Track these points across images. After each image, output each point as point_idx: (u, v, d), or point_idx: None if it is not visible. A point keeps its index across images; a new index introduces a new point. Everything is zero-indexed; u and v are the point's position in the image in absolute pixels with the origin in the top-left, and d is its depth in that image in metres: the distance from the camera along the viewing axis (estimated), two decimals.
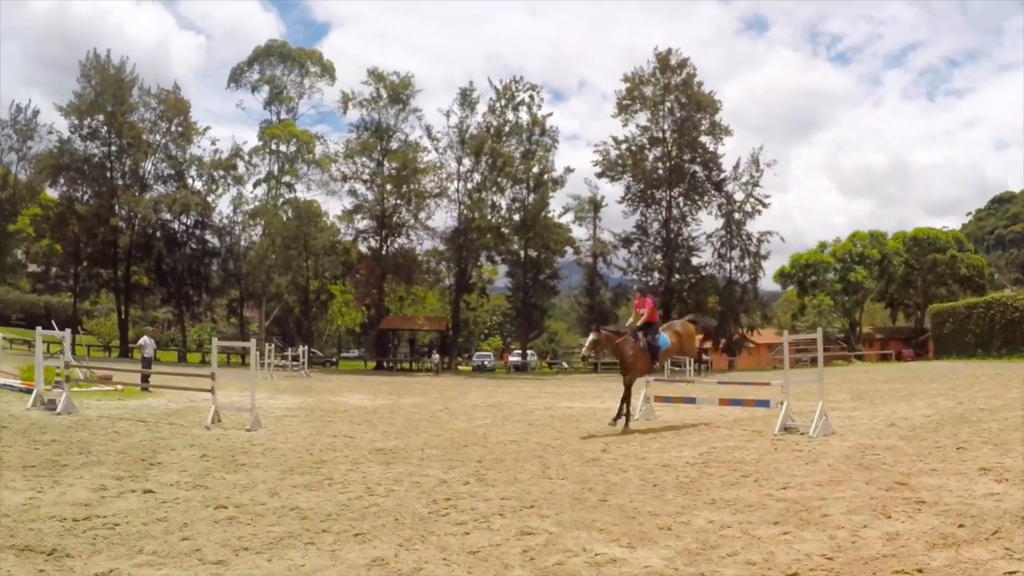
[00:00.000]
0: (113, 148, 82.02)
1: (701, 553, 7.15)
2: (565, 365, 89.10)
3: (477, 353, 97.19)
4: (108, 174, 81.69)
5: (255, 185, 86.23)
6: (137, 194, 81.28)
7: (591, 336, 17.97)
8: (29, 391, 21.11)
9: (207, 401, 20.33)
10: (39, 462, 11.67)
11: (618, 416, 18.01)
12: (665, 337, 18.67)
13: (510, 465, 12.62)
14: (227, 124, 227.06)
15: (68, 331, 20.18)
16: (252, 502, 9.27)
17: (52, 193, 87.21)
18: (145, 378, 27.79)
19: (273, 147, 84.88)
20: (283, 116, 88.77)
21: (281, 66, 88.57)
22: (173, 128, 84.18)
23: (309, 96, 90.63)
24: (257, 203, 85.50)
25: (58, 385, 20.30)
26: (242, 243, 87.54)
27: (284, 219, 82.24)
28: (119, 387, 25.47)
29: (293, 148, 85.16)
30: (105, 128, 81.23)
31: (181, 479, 10.77)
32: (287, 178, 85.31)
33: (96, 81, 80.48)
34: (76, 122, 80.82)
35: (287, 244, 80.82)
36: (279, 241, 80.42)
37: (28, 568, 6.41)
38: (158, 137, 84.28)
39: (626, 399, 17.92)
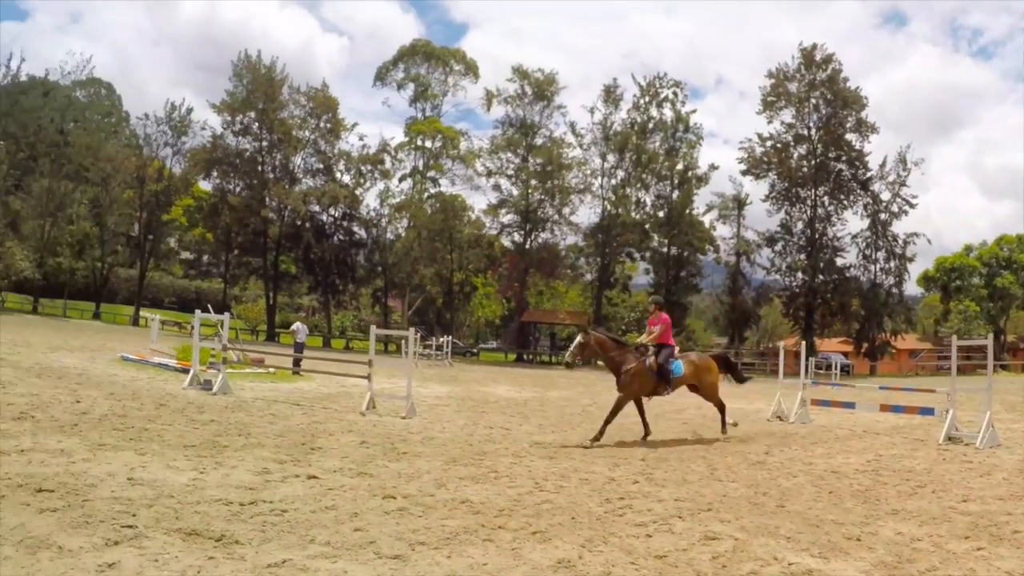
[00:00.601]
0: (264, 143, 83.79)
1: (898, 567, 6.77)
2: None
3: None
4: (259, 168, 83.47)
5: (401, 179, 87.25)
6: (287, 187, 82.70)
7: (578, 338, 15.80)
8: (185, 371, 21.12)
9: (358, 387, 20.02)
10: (199, 442, 11.34)
11: (596, 436, 14.70)
12: (681, 365, 16.07)
13: (676, 465, 12.15)
14: (371, 121, 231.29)
15: (226, 315, 20.04)
16: (420, 493, 8.85)
17: (204, 186, 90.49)
18: (297, 362, 27.87)
19: (418, 143, 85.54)
20: (428, 113, 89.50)
21: (425, 64, 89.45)
22: (322, 124, 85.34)
23: (453, 94, 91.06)
24: (403, 197, 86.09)
25: (213, 366, 20.19)
26: (388, 235, 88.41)
27: (429, 213, 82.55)
28: (271, 370, 25.47)
29: (438, 144, 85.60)
30: (256, 124, 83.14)
31: (344, 465, 10.35)
32: (432, 173, 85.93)
33: (247, 80, 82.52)
34: (229, 119, 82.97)
35: (432, 237, 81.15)
36: (424, 234, 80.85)
37: (197, 554, 5.96)
38: (307, 133, 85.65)
39: (609, 419, 15.04)
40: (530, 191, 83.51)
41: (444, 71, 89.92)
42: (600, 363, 16.46)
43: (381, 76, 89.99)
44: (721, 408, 16.92)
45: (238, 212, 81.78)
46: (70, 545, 5.88)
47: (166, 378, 21.15)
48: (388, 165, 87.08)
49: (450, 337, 53.28)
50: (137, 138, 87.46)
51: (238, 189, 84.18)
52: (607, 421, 14.95)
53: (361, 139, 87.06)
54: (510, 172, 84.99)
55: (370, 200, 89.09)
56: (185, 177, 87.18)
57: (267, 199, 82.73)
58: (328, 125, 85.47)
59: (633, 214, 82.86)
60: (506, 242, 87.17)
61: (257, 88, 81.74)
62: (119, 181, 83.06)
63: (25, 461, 8.76)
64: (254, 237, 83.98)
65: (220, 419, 14.04)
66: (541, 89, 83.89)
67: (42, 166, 79.28)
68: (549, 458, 12.20)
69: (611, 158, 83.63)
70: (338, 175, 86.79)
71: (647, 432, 15.56)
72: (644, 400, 15.89)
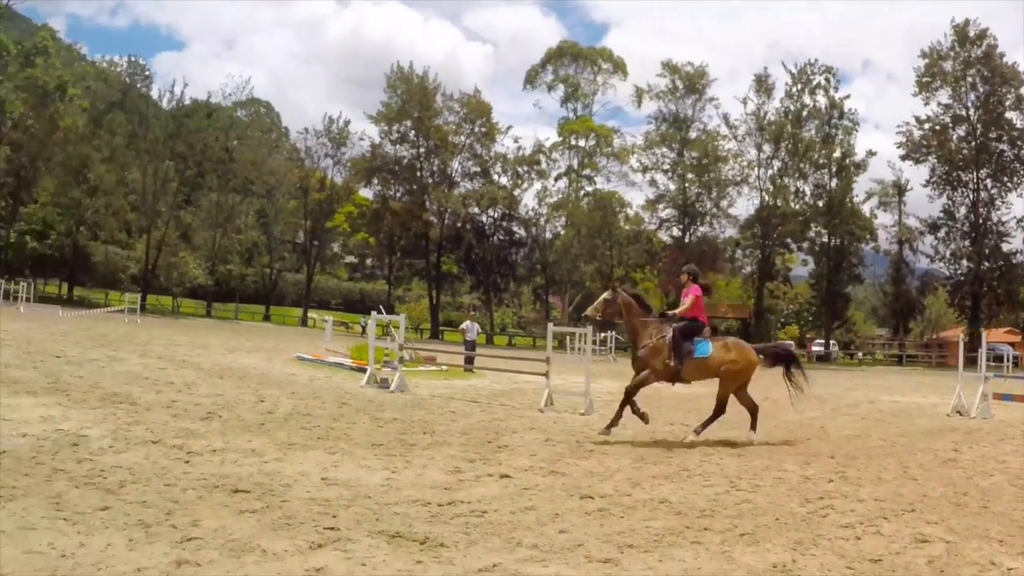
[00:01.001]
0: (421, 150, 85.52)
1: None
2: (861, 356, 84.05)
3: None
4: (418, 173, 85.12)
5: (556, 179, 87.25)
6: (446, 191, 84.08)
7: (605, 294, 13.87)
8: (360, 370, 21.25)
9: (530, 383, 19.73)
10: (386, 440, 11.09)
11: (611, 423, 13.07)
12: (708, 346, 13.18)
13: (866, 463, 11.41)
14: (521, 124, 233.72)
15: (402, 316, 19.99)
16: (616, 492, 8.40)
17: (365, 193, 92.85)
18: (469, 360, 27.73)
19: (571, 142, 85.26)
20: (579, 112, 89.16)
21: (573, 65, 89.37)
22: (476, 129, 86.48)
23: (603, 92, 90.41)
24: (560, 196, 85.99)
25: (388, 364, 20.11)
26: (547, 234, 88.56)
27: (586, 210, 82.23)
28: (443, 367, 25.39)
29: (592, 142, 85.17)
30: (413, 132, 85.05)
31: (534, 464, 9.94)
32: (587, 171, 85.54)
33: (402, 90, 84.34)
34: (386, 128, 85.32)
35: (591, 234, 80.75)
36: (583, 231, 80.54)
37: (404, 558, 5.66)
38: (463, 138, 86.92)
39: (625, 402, 13.21)
40: (687, 185, 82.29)
41: (592, 70, 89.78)
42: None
43: (531, 79, 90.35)
44: (717, 412, 13.46)
45: (400, 216, 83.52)
46: (274, 548, 5.65)
47: (343, 377, 21.22)
48: (544, 165, 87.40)
49: (612, 332, 52.70)
50: (298, 151, 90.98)
51: (399, 195, 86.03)
52: (622, 404, 13.15)
53: (516, 141, 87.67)
54: (666, 167, 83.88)
55: (528, 200, 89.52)
56: (347, 185, 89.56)
57: (427, 203, 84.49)
58: (483, 129, 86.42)
59: (792, 204, 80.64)
60: (664, 237, 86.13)
61: (411, 97, 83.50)
62: (283, 192, 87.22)
63: (218, 461, 8.61)
64: (416, 240, 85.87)
65: (403, 417, 13.83)
66: (692, 82, 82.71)
67: (210, 182, 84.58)
68: (737, 455, 11.66)
69: (767, 148, 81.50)
70: (495, 177, 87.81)
71: (614, 423, 13.09)
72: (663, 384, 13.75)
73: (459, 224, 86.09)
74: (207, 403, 13.29)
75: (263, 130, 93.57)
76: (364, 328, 64.70)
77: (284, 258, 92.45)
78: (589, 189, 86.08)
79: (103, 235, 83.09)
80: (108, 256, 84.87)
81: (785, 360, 13.89)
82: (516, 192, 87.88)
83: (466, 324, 34.13)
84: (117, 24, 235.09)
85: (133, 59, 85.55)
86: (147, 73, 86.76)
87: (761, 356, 13.89)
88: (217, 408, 12.86)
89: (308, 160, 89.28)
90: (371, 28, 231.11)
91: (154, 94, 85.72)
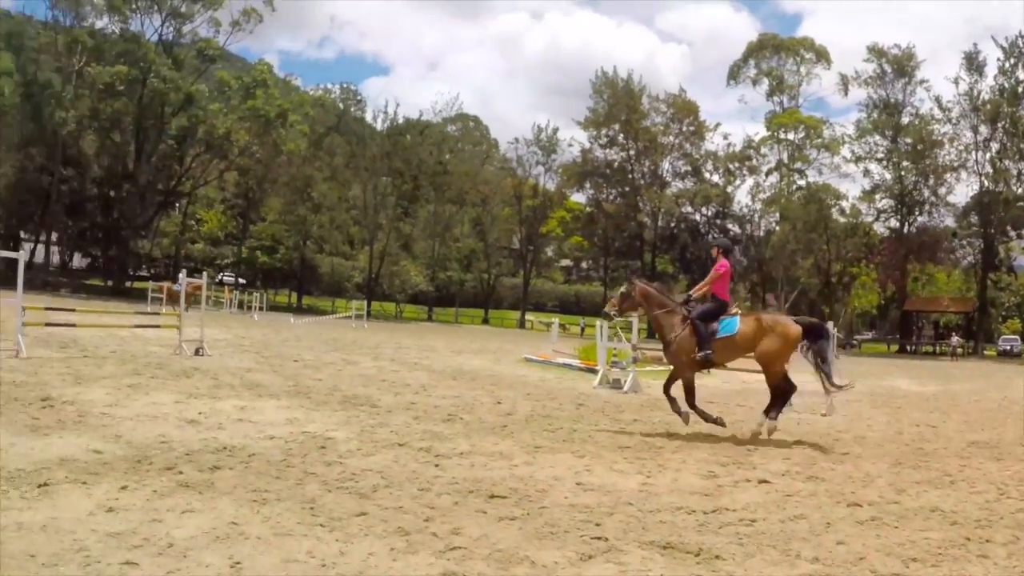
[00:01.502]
0: (631, 152, 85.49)
1: None
2: None
3: (1002, 337, 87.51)
4: (630, 176, 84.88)
5: (767, 174, 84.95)
6: (658, 191, 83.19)
7: (622, 288, 12.94)
8: (589, 370, 21.05)
9: (757, 382, 19.04)
10: (632, 443, 10.62)
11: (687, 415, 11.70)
12: (735, 323, 11.64)
13: None
14: (725, 120, 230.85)
15: (635, 317, 19.56)
16: (883, 500, 7.78)
17: (575, 198, 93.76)
18: None
19: (780, 136, 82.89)
20: (785, 105, 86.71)
21: (775, 57, 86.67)
22: (684, 128, 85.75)
23: (808, 83, 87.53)
24: (772, 191, 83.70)
25: (616, 365, 19.77)
26: (761, 230, 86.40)
27: (799, 204, 79.74)
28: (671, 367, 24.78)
29: (801, 135, 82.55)
30: (622, 135, 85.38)
31: (790, 468, 9.32)
32: (797, 164, 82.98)
33: (608, 95, 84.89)
34: (594, 133, 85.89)
35: (807, 228, 78.25)
36: (799, 226, 78.10)
37: (680, 571, 5.27)
38: (671, 138, 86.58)
39: (671, 400, 11.87)
40: (903, 173, 78.84)
41: (795, 61, 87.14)
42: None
43: (733, 74, 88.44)
44: (782, 392, 11.77)
45: (614, 219, 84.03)
46: (543, 559, 5.32)
47: (573, 378, 20.92)
48: (755, 161, 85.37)
49: (835, 330, 50.77)
50: (509, 161, 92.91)
51: (612, 197, 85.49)
52: (690, 405, 11.70)
53: (726, 138, 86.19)
54: (879, 155, 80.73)
55: (740, 197, 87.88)
56: (559, 191, 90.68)
57: (640, 204, 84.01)
58: (691, 128, 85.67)
59: (1015, 188, 75.79)
60: (882, 228, 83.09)
61: (618, 101, 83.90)
62: (497, 201, 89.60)
63: (468, 465, 8.37)
64: (630, 241, 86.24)
65: (642, 418, 13.39)
66: (900, 65, 79.66)
67: (426, 194, 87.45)
68: (996, 460, 10.76)
69: (983, 130, 76.96)
70: (706, 175, 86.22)
71: (703, 415, 11.71)
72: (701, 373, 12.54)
73: (673, 224, 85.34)
74: (446, 405, 13.19)
75: (473, 143, 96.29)
76: (583, 329, 65.05)
77: (501, 263, 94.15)
78: (801, 183, 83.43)
79: (328, 248, 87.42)
80: (333, 267, 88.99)
81: (817, 336, 11.86)
82: (729, 189, 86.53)
83: None
84: (325, 56, 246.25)
85: (345, 86, 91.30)
86: (359, 98, 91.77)
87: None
88: (457, 410, 12.72)
89: (520, 169, 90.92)
90: (567, 38, 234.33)
91: (368, 116, 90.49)
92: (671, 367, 12.39)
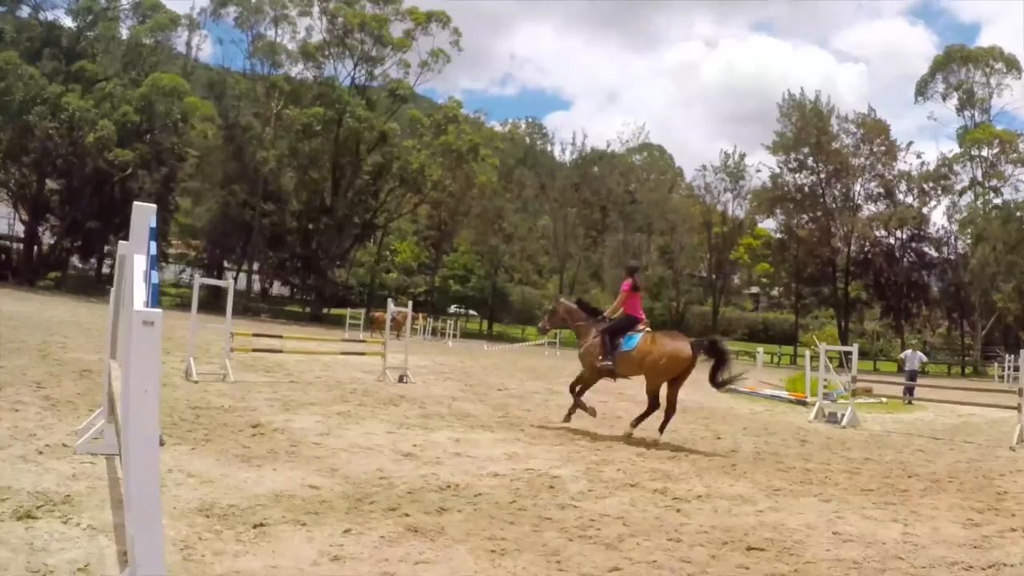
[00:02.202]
0: (822, 175, 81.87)
1: None
2: None
3: None
4: (821, 200, 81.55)
5: (960, 193, 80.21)
6: (851, 215, 79.90)
7: (551, 306, 15.21)
8: (798, 402, 20.50)
9: (977, 415, 17.77)
10: (874, 485, 9.79)
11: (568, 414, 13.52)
12: (636, 339, 12.80)
13: None
14: (907, 138, 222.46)
15: (855, 347, 18.38)
16: None
17: (763, 225, 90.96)
18: (909, 391, 25.42)
19: (973, 152, 78.31)
20: (976, 119, 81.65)
21: (963, 70, 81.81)
22: (875, 148, 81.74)
23: (998, 95, 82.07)
24: (967, 211, 79.21)
25: (827, 397, 18.61)
26: (958, 252, 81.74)
27: (998, 223, 75.02)
28: (883, 400, 23.39)
29: (995, 150, 77.78)
30: (811, 159, 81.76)
31: None
32: (992, 182, 78.17)
33: (795, 118, 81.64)
34: (783, 157, 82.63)
35: (1007, 249, 73.47)
36: (999, 247, 73.43)
37: None
38: (862, 159, 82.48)
39: (574, 398, 13.53)
40: None
41: (984, 72, 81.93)
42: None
43: (921, 90, 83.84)
44: (650, 408, 12.75)
45: (807, 244, 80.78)
46: None
47: (783, 410, 20.12)
48: (950, 180, 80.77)
49: None
50: (695, 188, 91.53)
51: (804, 222, 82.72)
52: (573, 391, 13.67)
53: (919, 157, 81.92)
54: None
55: (935, 218, 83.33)
56: (750, 217, 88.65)
57: (832, 229, 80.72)
58: (882, 148, 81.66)
59: None
60: None
61: (807, 124, 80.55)
62: (686, 228, 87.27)
63: (710, 510, 7.75)
64: (823, 267, 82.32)
65: (873, 457, 12.49)
66: None
67: (614, 223, 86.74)
68: None
69: None
70: (900, 196, 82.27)
71: (568, 416, 13.45)
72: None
73: (866, 248, 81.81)
74: (664, 440, 12.39)
75: (659, 171, 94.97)
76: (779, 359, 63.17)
77: (690, 291, 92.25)
78: (997, 201, 78.38)
79: (518, 276, 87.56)
80: (524, 295, 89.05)
81: (714, 353, 12.84)
82: (924, 211, 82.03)
83: (907, 353, 31.47)
84: (507, 93, 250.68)
85: (530, 120, 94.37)
86: (544, 131, 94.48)
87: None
88: (679, 446, 12.00)
89: (708, 196, 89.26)
90: (742, 64, 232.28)
91: (554, 149, 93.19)
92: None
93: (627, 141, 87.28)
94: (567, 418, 13.37)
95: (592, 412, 13.14)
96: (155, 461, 3.87)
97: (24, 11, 67.11)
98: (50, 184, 66.55)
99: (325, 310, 70.91)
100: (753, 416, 18.10)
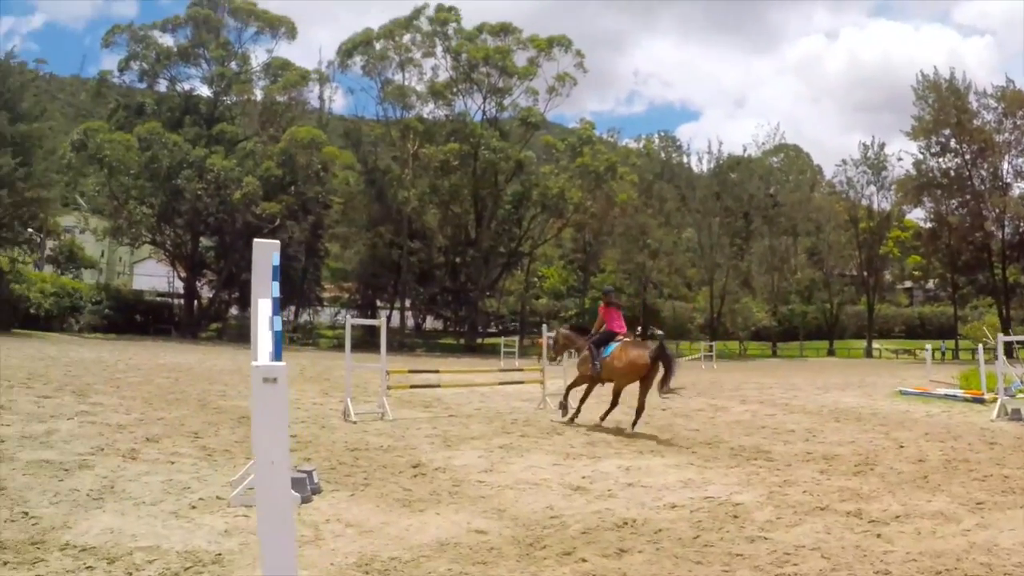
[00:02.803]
0: (967, 156, 78.03)
1: None
2: None
3: None
4: (968, 182, 77.75)
5: None
6: (1001, 195, 75.82)
7: (551, 335, 18.57)
8: (976, 400, 19.48)
9: None
10: None
11: (566, 414, 15.97)
12: (611, 348, 15.27)
13: None
14: None
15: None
16: None
17: (910, 216, 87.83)
18: None
19: None
20: None
21: None
22: (1019, 122, 77.11)
23: None
24: None
25: (1006, 392, 17.37)
26: None
27: None
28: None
29: None
30: (953, 140, 78.14)
31: None
32: None
33: (932, 99, 78.32)
34: (924, 142, 79.35)
35: None
36: None
37: None
38: (1007, 135, 77.85)
39: (565, 395, 16.32)
40: None
41: None
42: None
43: None
44: (612, 405, 15.26)
45: (959, 231, 77.21)
46: None
47: (962, 410, 18.97)
48: None
49: None
50: (835, 185, 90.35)
51: (953, 208, 79.05)
52: (568, 392, 16.26)
53: None
54: None
55: None
56: (897, 207, 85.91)
57: (983, 212, 77.06)
58: None
59: None
60: None
61: (944, 104, 77.20)
62: (832, 227, 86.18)
63: (912, 532, 7.10)
64: (977, 253, 78.38)
65: None
66: None
67: (759, 228, 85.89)
68: None
69: None
70: None
71: (574, 415, 15.77)
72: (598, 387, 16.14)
73: (1021, 229, 77.46)
74: (845, 453, 11.81)
75: (797, 171, 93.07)
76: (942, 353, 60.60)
77: (843, 291, 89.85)
78: None
79: (667, 291, 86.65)
80: (675, 310, 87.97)
81: (661, 360, 14.47)
82: None
83: None
84: (635, 111, 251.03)
85: (663, 134, 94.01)
86: (678, 143, 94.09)
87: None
88: (862, 459, 11.38)
89: (851, 191, 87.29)
90: (865, 52, 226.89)
91: (689, 160, 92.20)
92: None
93: (763, 143, 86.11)
94: (564, 413, 15.89)
95: (565, 411, 15.92)
96: (289, 544, 3.50)
97: (162, 85, 71.19)
98: (204, 241, 69.26)
99: (479, 340, 71.51)
100: (931, 419, 17.09)
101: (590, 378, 15.66)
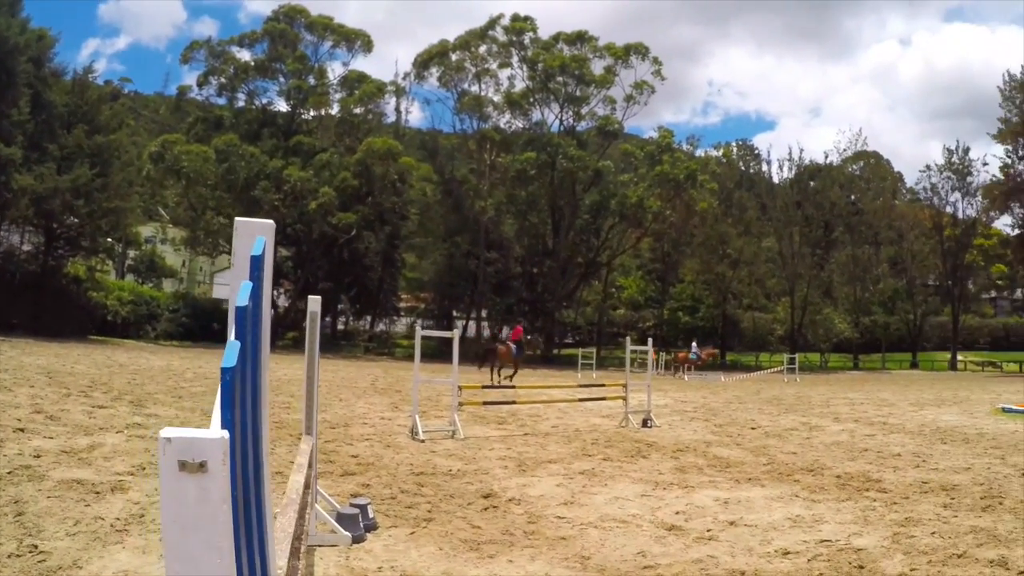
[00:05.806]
0: None
1: None
2: None
3: None
4: None
5: None
6: None
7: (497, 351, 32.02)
8: None
9: None
10: None
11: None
12: (517, 345, 32.20)
13: None
14: None
15: None
16: None
17: (996, 224, 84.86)
18: None
19: None
20: None
21: None
22: None
23: None
24: None
25: None
26: None
27: None
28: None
29: None
30: None
31: None
32: None
33: (1020, 100, 74.88)
34: (1011, 145, 75.98)
35: None
36: None
37: None
38: None
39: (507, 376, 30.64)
40: None
41: None
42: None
43: None
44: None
45: None
46: None
47: None
48: None
49: None
50: (918, 192, 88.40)
51: None
52: (507, 376, 29.78)
53: None
54: None
55: None
56: (985, 213, 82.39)
57: None
58: None
59: None
60: None
61: None
62: (915, 235, 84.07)
63: None
64: None
65: None
66: None
67: (842, 237, 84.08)
68: None
69: None
70: None
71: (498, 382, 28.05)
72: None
73: None
74: (964, 483, 10.48)
75: (879, 178, 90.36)
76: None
77: (926, 302, 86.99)
78: None
79: (747, 302, 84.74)
80: (755, 321, 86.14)
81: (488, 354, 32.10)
82: None
83: None
84: (711, 121, 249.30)
85: (741, 142, 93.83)
86: (756, 152, 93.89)
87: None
88: (985, 490, 10.09)
89: (935, 198, 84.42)
90: (939, 57, 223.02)
91: (768, 169, 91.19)
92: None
93: (844, 150, 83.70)
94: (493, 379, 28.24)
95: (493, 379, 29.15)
96: None
97: (240, 99, 71.75)
98: (281, 251, 69.11)
99: (556, 351, 70.47)
100: None
101: (512, 363, 31.10)
